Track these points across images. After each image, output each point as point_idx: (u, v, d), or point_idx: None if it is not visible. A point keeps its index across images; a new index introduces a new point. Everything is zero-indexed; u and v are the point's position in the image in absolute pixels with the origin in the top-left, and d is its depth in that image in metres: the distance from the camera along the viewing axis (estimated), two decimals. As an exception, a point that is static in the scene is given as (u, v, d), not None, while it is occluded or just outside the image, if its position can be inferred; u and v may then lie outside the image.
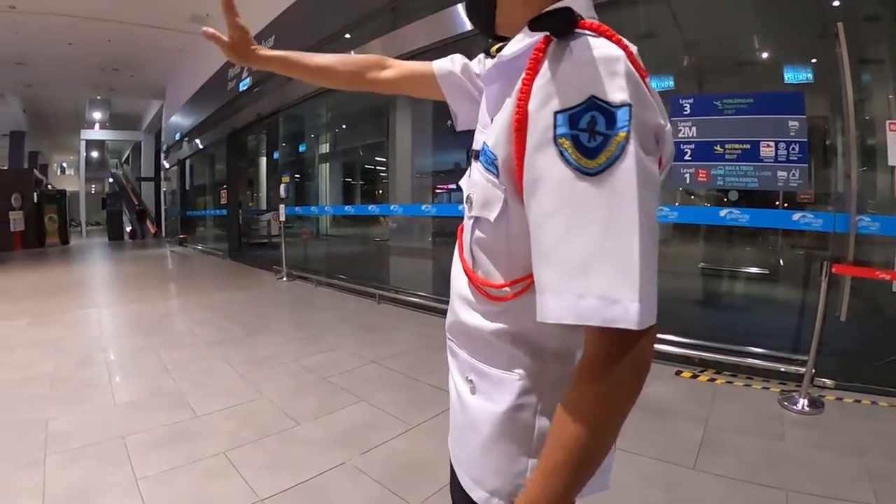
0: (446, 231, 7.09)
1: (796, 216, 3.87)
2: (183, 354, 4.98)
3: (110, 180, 32.83)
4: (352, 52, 7.40)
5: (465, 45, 6.36)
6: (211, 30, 1.14)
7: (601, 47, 0.69)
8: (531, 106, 0.72)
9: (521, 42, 0.80)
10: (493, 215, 0.82)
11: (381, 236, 8.91)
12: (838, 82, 3.76)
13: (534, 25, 0.76)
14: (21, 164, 26.84)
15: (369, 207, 8.48)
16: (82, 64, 18.62)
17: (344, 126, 10.44)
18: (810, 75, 4.30)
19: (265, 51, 1.22)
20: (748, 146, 4.05)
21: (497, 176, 0.81)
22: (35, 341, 5.54)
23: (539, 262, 0.70)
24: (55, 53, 17.31)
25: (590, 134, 0.67)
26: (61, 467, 2.81)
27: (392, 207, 7.53)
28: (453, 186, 7.97)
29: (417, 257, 7.50)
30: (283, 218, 9.53)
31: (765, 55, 4.90)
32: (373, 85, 1.28)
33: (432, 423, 3.28)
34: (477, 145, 0.91)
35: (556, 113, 0.69)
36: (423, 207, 7.01)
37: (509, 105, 0.79)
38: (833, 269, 3.39)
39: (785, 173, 3.91)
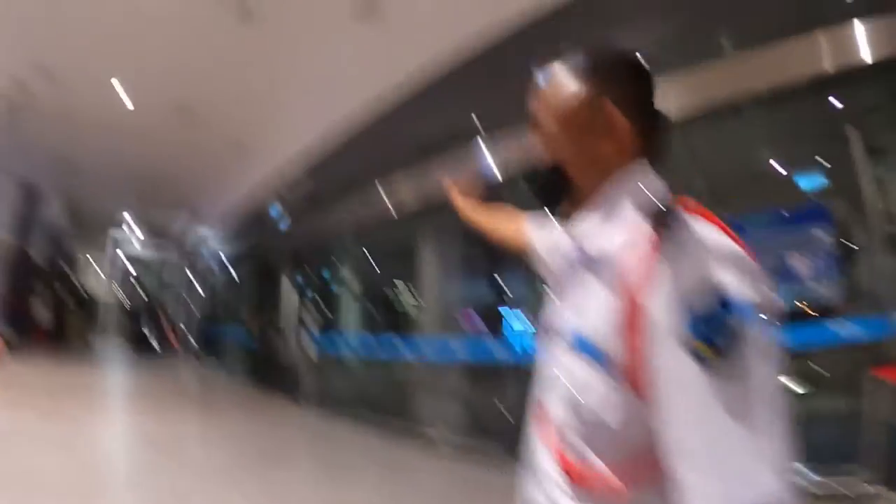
0: (477, 367, 7.05)
1: (834, 328, 3.79)
2: (196, 482, 4.82)
3: (139, 288, 33.52)
4: (382, 193, 7.77)
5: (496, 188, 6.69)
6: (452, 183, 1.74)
7: (716, 239, 0.74)
8: (649, 304, 0.74)
9: (611, 230, 0.87)
10: (598, 405, 0.82)
11: (407, 367, 8.85)
12: (853, 180, 3.80)
13: (636, 216, 0.84)
14: (55, 263, 27.49)
15: (395, 341, 8.42)
16: (123, 174, 19.70)
17: (372, 255, 10.72)
18: (823, 178, 4.39)
19: (475, 213, 1.70)
20: (777, 263, 4.03)
21: (604, 367, 0.81)
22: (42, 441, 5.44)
23: (680, 463, 0.70)
24: (99, 161, 18.45)
25: (719, 332, 0.68)
26: None
27: (424, 351, 7.54)
28: (480, 314, 7.97)
29: (445, 391, 7.38)
30: (307, 350, 9.60)
31: (777, 165, 4.98)
32: (502, 241, 1.57)
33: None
34: (564, 327, 0.94)
35: (681, 312, 0.70)
36: (454, 348, 6.94)
37: (612, 298, 0.81)
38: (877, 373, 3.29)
39: (818, 286, 3.87)
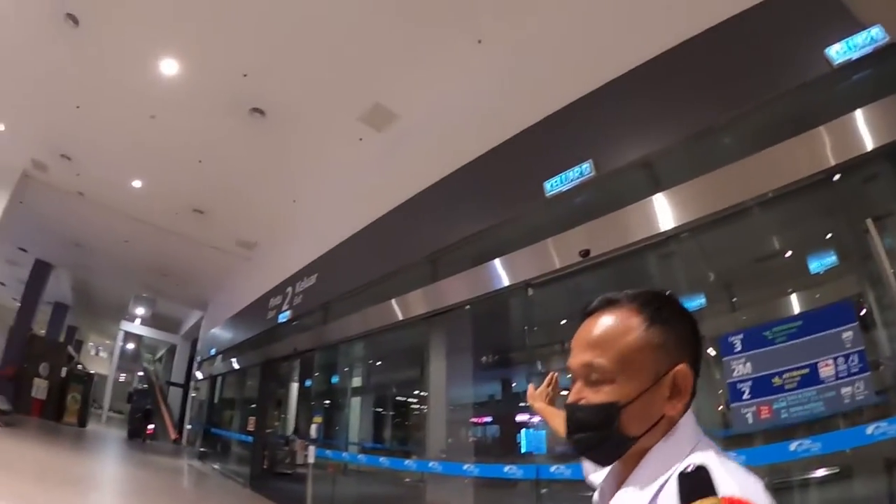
0: (493, 483, 6.72)
1: (870, 429, 3.59)
2: None
3: (140, 374, 33.42)
4: (393, 302, 7.91)
5: (501, 300, 6.68)
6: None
7: None
8: None
9: (647, 493, 0.92)
10: None
11: (415, 476, 8.53)
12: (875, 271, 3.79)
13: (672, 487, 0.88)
14: (58, 336, 28.19)
15: (405, 462, 8.13)
16: (134, 262, 20.40)
17: (379, 362, 10.62)
18: (834, 258, 4.36)
19: (540, 405, 2.00)
20: (806, 370, 3.91)
21: None
22: None
23: None
24: (112, 245, 19.11)
25: None
26: None
27: (430, 465, 7.24)
28: (489, 419, 7.77)
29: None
30: (311, 460, 9.32)
31: (788, 251, 5.07)
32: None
33: None
34: None
35: None
36: (465, 467, 6.70)
37: None
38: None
39: (849, 388, 3.70)
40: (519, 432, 6.73)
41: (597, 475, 1.22)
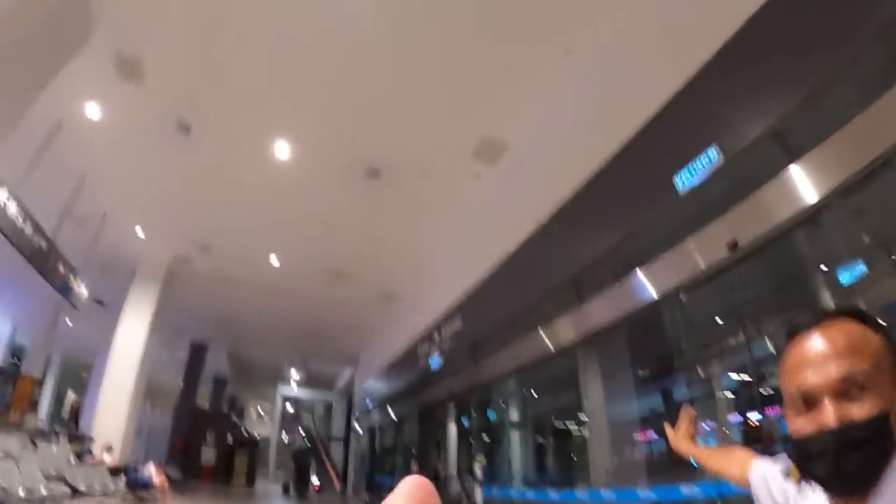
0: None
1: None
2: None
3: (301, 433, 35.21)
4: (541, 332, 7.77)
5: (654, 310, 6.43)
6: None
7: None
8: None
9: None
10: None
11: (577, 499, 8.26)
12: None
13: None
14: (220, 407, 30.50)
15: (577, 494, 7.91)
16: (283, 329, 22.00)
17: (534, 391, 10.51)
18: None
19: (689, 446, 1.87)
20: None
21: None
22: None
23: None
24: (260, 318, 20.90)
25: None
26: None
27: (603, 494, 7.00)
28: (653, 435, 7.41)
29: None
30: (479, 501, 9.35)
31: None
32: (729, 480, 1.57)
33: None
34: None
35: None
36: (640, 493, 6.42)
37: None
38: None
39: None
40: None
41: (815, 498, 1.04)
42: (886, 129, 3.89)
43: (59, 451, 12.28)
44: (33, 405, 22.01)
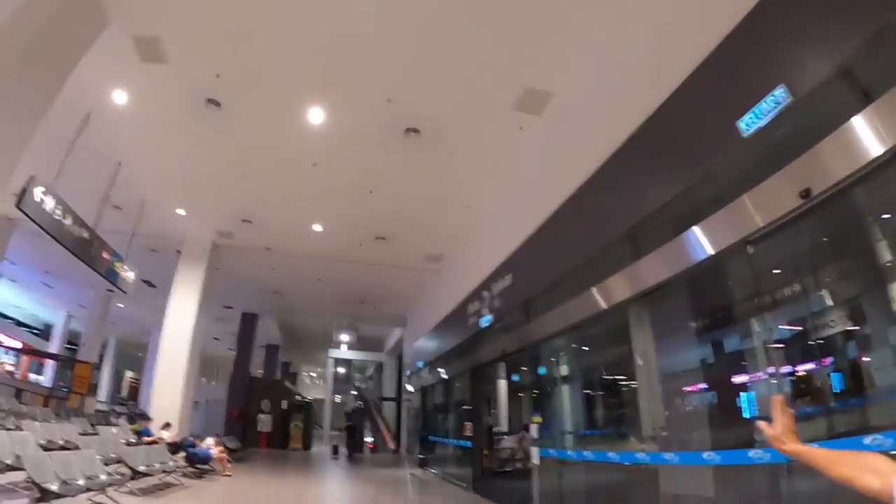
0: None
1: None
2: None
3: (354, 393, 36.14)
4: (594, 290, 7.57)
5: (712, 267, 6.11)
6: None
7: None
8: None
9: None
10: None
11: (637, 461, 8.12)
12: None
13: None
14: (274, 374, 31.91)
15: (637, 456, 7.72)
16: (330, 296, 22.42)
17: (585, 347, 10.32)
18: None
19: (801, 446, 1.60)
20: None
21: None
22: None
23: None
24: (306, 287, 21.28)
25: None
26: None
27: (666, 457, 6.78)
28: (704, 385, 7.20)
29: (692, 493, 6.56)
30: (536, 461, 9.31)
31: None
32: (862, 490, 1.38)
33: None
34: None
35: None
36: (705, 456, 6.18)
37: None
38: None
39: None
40: (738, 396, 6.15)
41: None
42: None
43: (118, 432, 12.74)
44: (92, 389, 23.02)
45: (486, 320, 12.61)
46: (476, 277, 13.52)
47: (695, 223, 5.99)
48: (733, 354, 6.78)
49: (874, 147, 4.04)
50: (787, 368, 6.04)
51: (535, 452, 9.39)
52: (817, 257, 5.86)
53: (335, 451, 24.38)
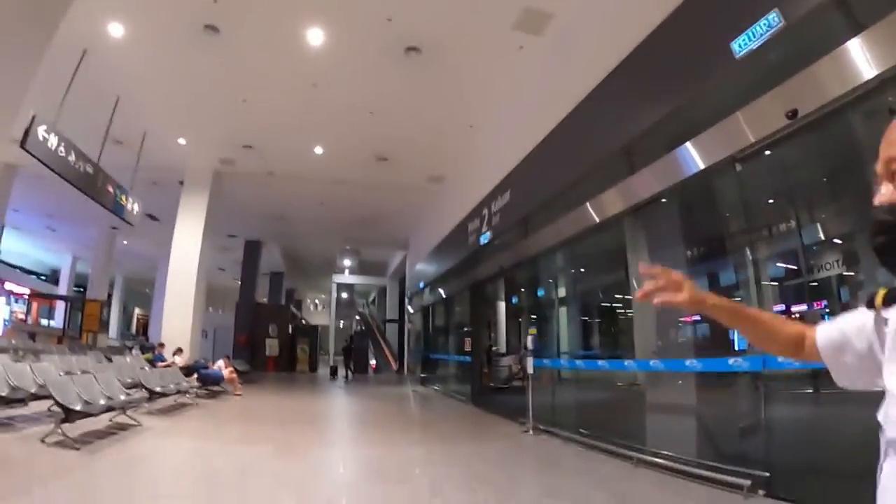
0: (709, 381, 6.68)
1: None
2: None
3: (357, 318, 36.99)
4: (587, 205, 7.75)
5: (702, 183, 6.30)
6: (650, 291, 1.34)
7: None
8: None
9: None
10: None
11: (628, 379, 8.56)
12: None
13: None
14: (279, 300, 32.38)
15: (625, 363, 8.19)
16: (333, 220, 22.50)
17: (582, 268, 10.59)
18: None
19: (713, 298, 1.35)
20: None
21: None
22: (277, 473, 6.39)
23: None
24: (309, 211, 21.37)
25: None
26: None
27: (651, 363, 7.24)
28: (697, 318, 7.49)
29: (675, 411, 7.06)
30: (530, 370, 9.70)
31: None
32: (802, 355, 1.33)
33: None
34: None
35: None
36: (687, 363, 6.57)
37: None
38: None
39: None
40: (731, 329, 6.40)
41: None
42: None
43: (132, 361, 13.20)
44: (104, 326, 23.56)
45: (485, 237, 12.87)
46: (476, 196, 13.68)
47: (687, 140, 6.17)
48: (728, 287, 7.06)
49: (862, 72, 4.18)
50: (779, 307, 6.34)
51: (529, 363, 9.80)
52: (811, 191, 6.04)
53: (334, 372, 25.08)
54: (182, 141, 15.31)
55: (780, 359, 5.30)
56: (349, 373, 25.29)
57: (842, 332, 1.19)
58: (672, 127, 6.58)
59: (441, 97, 12.57)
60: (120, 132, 13.08)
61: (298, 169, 17.10)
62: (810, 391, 5.20)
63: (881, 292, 1.05)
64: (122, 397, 8.58)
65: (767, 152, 5.58)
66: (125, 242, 27.30)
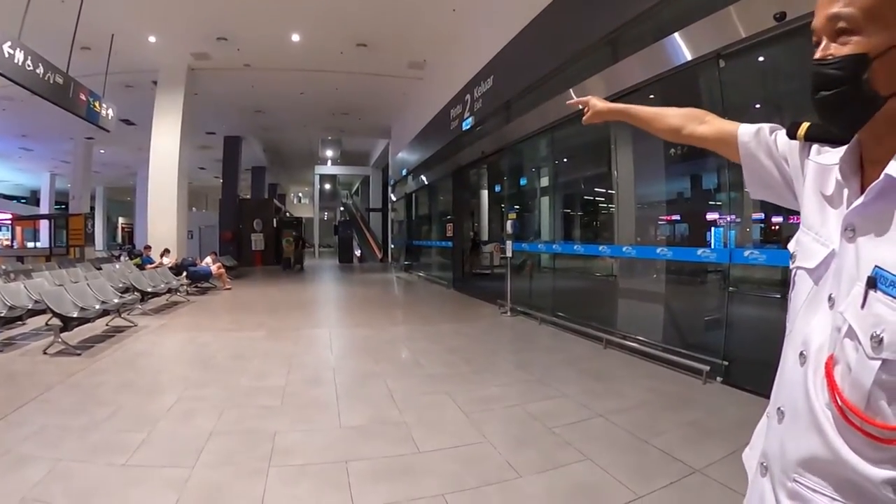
0: (680, 270, 6.96)
1: None
2: (408, 385, 5.55)
3: (341, 209, 37.02)
4: (571, 91, 7.65)
5: (686, 78, 6.23)
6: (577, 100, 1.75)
7: None
8: None
9: None
10: None
11: (604, 271, 8.84)
12: None
13: None
14: (262, 195, 32.04)
15: (599, 248, 8.41)
16: (313, 110, 21.86)
17: (565, 159, 10.58)
18: None
19: (612, 105, 1.65)
20: None
21: None
22: (269, 354, 6.80)
23: None
24: (288, 102, 20.68)
25: None
26: (283, 482, 3.32)
27: (625, 249, 7.46)
28: (677, 217, 7.64)
29: (647, 300, 7.38)
30: (509, 254, 9.95)
31: None
32: (688, 139, 1.43)
33: (661, 495, 3.22)
34: (848, 264, 0.91)
35: None
36: (658, 251, 6.79)
37: None
38: None
39: None
40: (708, 231, 6.60)
41: (828, 156, 1.07)
42: None
43: (122, 266, 13.33)
44: (89, 239, 23.39)
45: (467, 123, 12.69)
46: (459, 82, 13.34)
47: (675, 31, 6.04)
48: (707, 190, 7.14)
49: None
50: (758, 215, 6.45)
51: (508, 246, 10.04)
52: (798, 101, 6.00)
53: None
54: (152, 38, 14.50)
55: (745, 253, 5.52)
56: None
57: (760, 141, 1.23)
58: (662, 16, 6.38)
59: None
60: (87, 37, 12.42)
61: (276, 59, 16.31)
62: (777, 296, 5.43)
63: (805, 125, 1.09)
64: (116, 300, 8.77)
65: (757, 56, 5.53)
66: (102, 152, 26.61)
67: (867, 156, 0.97)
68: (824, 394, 0.90)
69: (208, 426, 4.24)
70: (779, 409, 1.01)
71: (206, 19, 13.53)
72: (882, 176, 0.86)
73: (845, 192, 0.98)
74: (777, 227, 6.48)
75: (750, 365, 5.40)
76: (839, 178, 1.00)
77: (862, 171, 0.98)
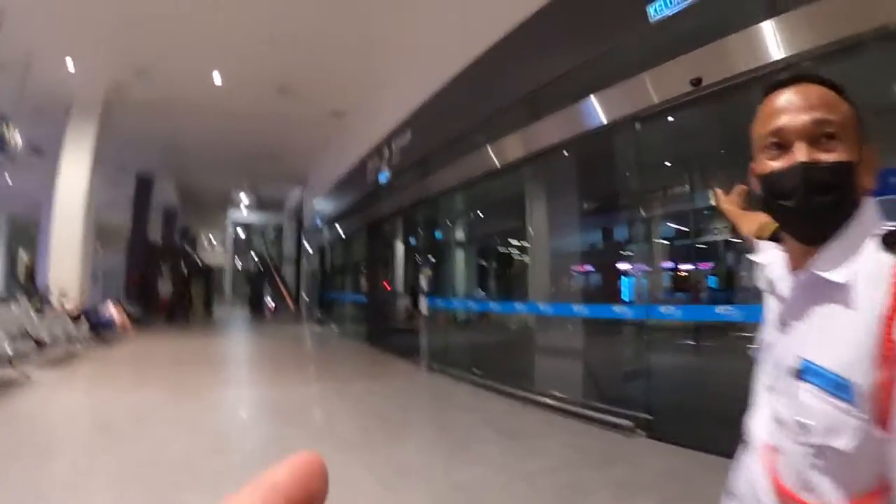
0: (596, 321, 6.93)
1: None
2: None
3: (255, 258, 35.95)
4: (488, 148, 7.69)
5: (604, 138, 6.34)
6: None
7: None
8: None
9: (850, 259, 0.90)
10: (847, 444, 0.84)
11: (521, 324, 8.76)
12: None
13: (874, 247, 0.89)
14: (172, 239, 30.46)
15: (515, 305, 8.34)
16: (230, 153, 21.30)
17: (480, 213, 10.59)
18: None
19: (728, 207, 1.72)
20: None
21: (851, 403, 0.83)
22: (172, 417, 6.21)
23: None
24: (205, 144, 20.12)
25: None
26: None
27: (541, 307, 7.41)
28: (591, 268, 7.73)
29: (564, 355, 7.31)
30: (424, 311, 9.71)
31: None
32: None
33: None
34: (786, 355, 0.97)
35: None
36: (575, 308, 6.74)
37: (861, 329, 0.84)
38: None
39: None
40: (620, 281, 6.68)
41: (767, 257, 1.16)
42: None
43: (18, 310, 12.16)
44: None
45: (384, 176, 12.66)
46: (378, 134, 13.33)
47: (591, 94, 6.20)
48: (619, 241, 7.26)
49: (770, 53, 4.33)
50: (668, 264, 6.60)
51: (423, 303, 9.83)
52: (706, 159, 6.20)
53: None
54: (70, 64, 13.62)
55: (662, 309, 5.55)
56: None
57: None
58: (579, 80, 6.57)
59: (347, 28, 11.73)
60: (1, 53, 11.55)
61: (195, 98, 15.70)
62: (692, 343, 5.48)
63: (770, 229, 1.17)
64: (10, 351, 7.93)
65: (670, 118, 5.70)
66: (8, 180, 24.74)
67: (796, 252, 1.03)
68: (767, 479, 0.97)
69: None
70: (731, 492, 1.12)
71: (127, 49, 12.86)
72: (807, 272, 0.94)
73: (782, 286, 1.05)
74: (686, 273, 6.64)
75: (674, 417, 5.38)
76: (775, 274, 1.09)
77: (794, 266, 1.03)
